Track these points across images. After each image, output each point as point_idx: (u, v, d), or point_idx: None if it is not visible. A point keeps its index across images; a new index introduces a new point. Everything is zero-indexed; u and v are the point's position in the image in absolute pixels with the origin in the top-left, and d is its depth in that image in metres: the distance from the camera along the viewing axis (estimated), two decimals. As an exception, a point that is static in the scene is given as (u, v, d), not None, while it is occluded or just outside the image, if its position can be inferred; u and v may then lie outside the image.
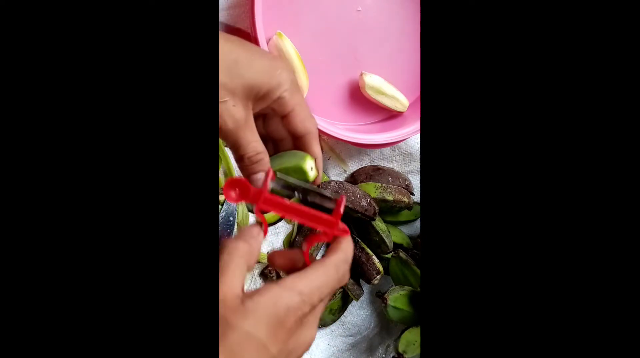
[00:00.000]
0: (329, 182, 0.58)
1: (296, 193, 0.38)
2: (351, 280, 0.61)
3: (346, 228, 0.37)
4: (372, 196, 0.58)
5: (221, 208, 0.59)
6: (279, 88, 0.40)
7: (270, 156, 0.42)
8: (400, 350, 0.57)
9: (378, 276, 0.59)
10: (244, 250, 0.35)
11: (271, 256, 0.39)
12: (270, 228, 0.62)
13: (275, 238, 0.62)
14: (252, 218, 0.61)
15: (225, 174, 0.59)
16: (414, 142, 0.64)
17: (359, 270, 0.60)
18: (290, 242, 0.61)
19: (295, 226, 0.62)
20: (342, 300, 0.62)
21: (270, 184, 0.37)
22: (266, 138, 0.45)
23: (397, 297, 0.58)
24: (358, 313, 0.65)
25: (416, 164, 0.65)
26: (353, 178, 0.63)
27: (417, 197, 0.65)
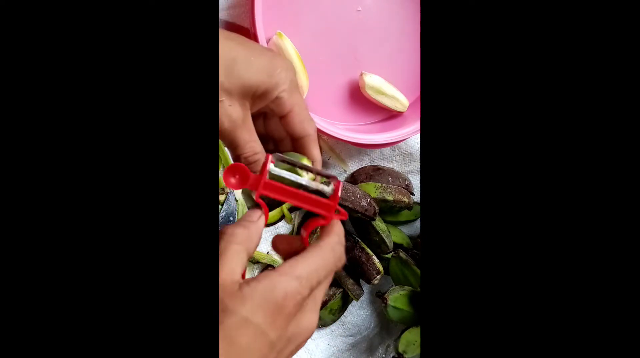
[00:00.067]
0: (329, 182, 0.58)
1: (296, 175, 0.38)
2: (351, 280, 0.61)
3: (343, 211, 0.38)
4: (372, 196, 0.58)
5: (221, 208, 0.59)
6: (277, 88, 0.40)
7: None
8: (400, 350, 0.57)
9: (378, 276, 0.59)
10: (242, 236, 0.34)
11: (274, 240, 0.39)
12: (270, 228, 0.62)
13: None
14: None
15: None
16: (414, 142, 0.64)
17: (359, 270, 0.60)
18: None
19: (296, 226, 0.62)
20: (342, 300, 0.62)
21: (270, 169, 0.36)
22: (267, 138, 0.45)
23: (397, 297, 0.58)
24: (358, 313, 0.65)
25: (416, 164, 0.65)
26: (353, 178, 0.63)
27: (417, 197, 0.65)
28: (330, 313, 0.62)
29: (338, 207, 0.38)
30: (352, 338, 0.65)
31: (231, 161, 0.46)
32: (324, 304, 0.61)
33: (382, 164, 0.64)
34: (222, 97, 0.38)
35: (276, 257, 0.61)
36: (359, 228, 0.61)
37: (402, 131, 0.58)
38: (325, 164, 0.63)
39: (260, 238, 0.36)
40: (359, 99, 0.61)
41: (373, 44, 0.60)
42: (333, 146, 0.63)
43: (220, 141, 0.42)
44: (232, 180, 0.36)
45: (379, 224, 0.60)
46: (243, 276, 0.35)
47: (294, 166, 0.38)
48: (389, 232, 0.61)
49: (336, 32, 0.58)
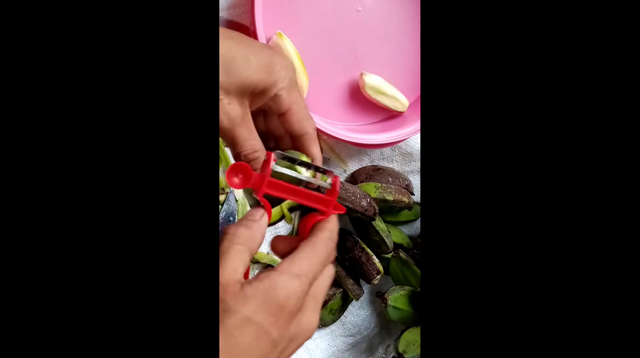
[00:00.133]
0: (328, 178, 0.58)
1: (296, 172, 0.38)
2: (351, 280, 0.61)
3: (341, 206, 0.39)
4: (372, 196, 0.58)
5: (221, 208, 0.59)
6: (276, 86, 0.40)
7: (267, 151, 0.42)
8: (400, 350, 0.57)
9: (378, 276, 0.59)
10: (244, 236, 0.35)
11: (272, 242, 0.39)
12: (270, 228, 0.62)
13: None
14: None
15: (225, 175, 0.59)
16: (414, 142, 0.64)
17: (359, 270, 0.60)
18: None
19: (296, 226, 0.62)
20: (342, 300, 0.62)
21: (272, 167, 0.37)
22: (267, 135, 0.45)
23: (397, 297, 0.58)
24: (358, 313, 0.65)
25: (416, 164, 0.65)
26: (353, 178, 0.63)
27: (417, 197, 0.65)
28: (330, 313, 0.62)
29: (336, 202, 0.39)
30: (352, 338, 0.65)
31: (231, 161, 0.46)
32: (324, 304, 0.61)
33: (382, 164, 0.64)
34: (221, 96, 0.38)
35: (276, 257, 0.61)
36: (359, 228, 0.61)
37: (402, 131, 0.58)
38: (325, 164, 0.63)
39: (263, 237, 0.36)
40: (359, 99, 0.61)
41: (373, 44, 0.60)
42: (333, 146, 0.63)
43: (220, 140, 0.42)
44: (235, 179, 0.36)
45: (379, 224, 0.60)
46: (246, 276, 0.35)
47: (293, 163, 0.38)
48: (389, 232, 0.61)
49: (336, 32, 0.58)
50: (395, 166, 0.65)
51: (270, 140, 0.45)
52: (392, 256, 0.61)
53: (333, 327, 0.65)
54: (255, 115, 0.41)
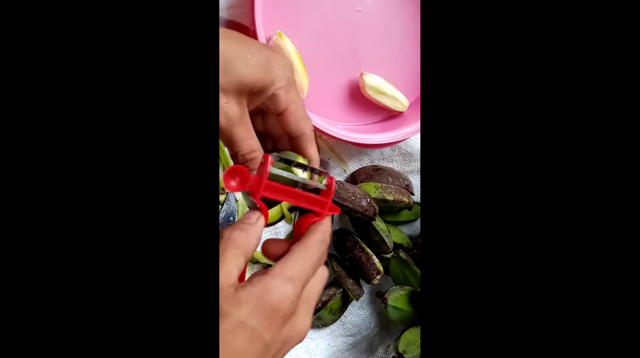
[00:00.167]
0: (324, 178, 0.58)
1: (292, 174, 0.39)
2: (351, 280, 0.61)
3: (335, 206, 0.40)
4: (372, 196, 0.58)
5: (221, 208, 0.59)
6: (274, 85, 0.40)
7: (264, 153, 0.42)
8: (400, 350, 0.57)
9: (378, 276, 0.59)
10: (240, 240, 0.35)
11: (264, 245, 0.39)
12: (270, 228, 0.62)
13: (276, 237, 0.62)
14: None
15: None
16: (414, 142, 0.64)
17: (359, 270, 0.60)
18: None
19: (295, 222, 0.62)
20: (342, 300, 0.62)
21: (269, 170, 0.37)
22: (265, 135, 0.45)
23: (397, 297, 0.58)
24: (358, 313, 0.65)
25: (416, 164, 0.65)
26: (353, 178, 0.63)
27: (417, 197, 0.65)
28: (330, 313, 0.62)
29: (331, 203, 0.39)
30: (352, 338, 0.65)
31: (231, 161, 0.46)
32: (324, 304, 0.61)
33: (382, 164, 0.64)
34: (219, 95, 0.38)
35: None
36: (359, 228, 0.61)
37: (402, 131, 0.58)
38: (325, 164, 0.63)
39: (259, 240, 0.37)
40: (359, 99, 0.61)
41: (373, 44, 0.60)
42: (333, 146, 0.63)
43: (220, 140, 0.42)
44: (232, 183, 0.36)
45: (379, 224, 0.60)
46: (243, 278, 0.36)
47: (289, 165, 0.38)
48: (389, 232, 0.61)
49: (336, 32, 0.58)
50: (395, 166, 0.65)
51: (268, 141, 0.45)
52: (392, 256, 0.61)
53: (333, 327, 0.65)
54: (252, 115, 0.41)
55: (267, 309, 0.33)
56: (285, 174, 0.38)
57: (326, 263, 0.63)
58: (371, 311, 0.66)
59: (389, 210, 0.62)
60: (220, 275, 0.33)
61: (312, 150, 0.43)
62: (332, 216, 0.40)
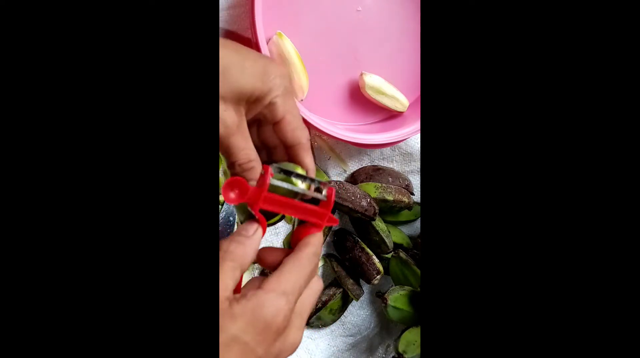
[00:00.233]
0: (329, 182, 0.58)
1: (291, 185, 0.39)
2: (351, 280, 0.61)
3: (334, 218, 0.40)
4: (372, 196, 0.58)
5: (221, 208, 0.59)
6: (271, 93, 0.40)
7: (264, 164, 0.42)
8: (400, 350, 0.57)
9: (378, 276, 0.59)
10: (237, 253, 0.35)
11: (261, 253, 0.40)
12: (270, 228, 0.62)
13: (276, 238, 0.62)
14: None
15: (225, 174, 0.59)
16: (414, 142, 0.64)
17: (359, 270, 0.60)
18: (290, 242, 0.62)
19: (295, 224, 0.62)
20: (342, 300, 0.62)
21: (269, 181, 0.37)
22: (260, 146, 0.45)
23: (397, 297, 0.58)
24: (358, 313, 0.65)
25: (416, 164, 0.65)
26: (353, 178, 0.63)
27: (417, 197, 0.65)
28: (330, 313, 0.62)
29: (330, 214, 0.39)
30: (352, 338, 0.65)
31: None
32: (324, 304, 0.61)
33: (382, 164, 0.64)
34: None
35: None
36: (359, 228, 0.61)
37: (402, 131, 0.58)
38: (325, 164, 0.63)
39: (256, 252, 0.37)
40: (359, 99, 0.61)
41: (373, 44, 0.60)
42: (333, 146, 0.63)
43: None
44: (232, 195, 0.36)
45: (379, 224, 0.60)
46: (239, 287, 0.36)
47: (289, 176, 0.39)
48: (389, 232, 0.61)
49: (336, 32, 0.58)
50: (395, 166, 0.65)
51: (263, 151, 0.45)
52: (392, 256, 0.61)
53: (333, 327, 0.65)
54: (248, 126, 0.41)
55: (261, 323, 0.33)
56: (285, 185, 0.38)
57: (328, 260, 0.63)
58: (371, 311, 0.66)
59: (389, 210, 0.62)
60: None
61: (309, 159, 0.43)
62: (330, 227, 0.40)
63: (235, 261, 0.35)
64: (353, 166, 0.64)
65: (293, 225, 0.62)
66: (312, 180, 0.40)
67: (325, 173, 0.63)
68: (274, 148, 0.44)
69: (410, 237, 0.65)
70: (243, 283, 0.37)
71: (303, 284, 0.37)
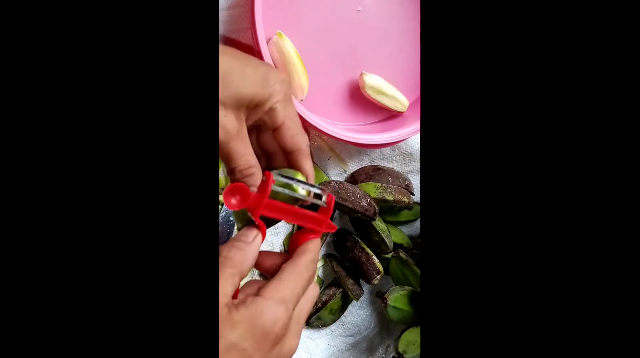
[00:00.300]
0: (329, 182, 0.58)
1: (292, 191, 0.39)
2: (351, 280, 0.61)
3: (333, 225, 0.40)
4: (372, 196, 0.58)
5: (221, 208, 0.59)
6: (271, 99, 0.40)
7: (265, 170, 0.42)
8: (400, 350, 0.57)
9: (378, 276, 0.59)
10: (237, 260, 0.36)
11: (258, 257, 0.39)
12: (270, 228, 0.62)
13: (276, 238, 0.62)
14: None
15: (225, 175, 0.59)
16: (414, 142, 0.64)
17: (359, 270, 0.60)
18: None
19: (295, 227, 0.62)
20: (342, 300, 0.62)
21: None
22: (259, 154, 0.45)
23: (397, 297, 0.58)
24: (358, 313, 0.65)
25: (416, 164, 0.65)
26: (353, 178, 0.63)
27: (417, 197, 0.65)
28: (330, 313, 0.62)
29: (329, 221, 0.40)
30: (352, 338, 0.65)
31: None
32: (324, 304, 0.61)
33: (382, 164, 0.64)
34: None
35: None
36: (359, 228, 0.61)
37: (402, 131, 0.58)
38: (325, 164, 0.63)
39: (255, 258, 0.37)
40: (359, 99, 0.61)
41: (373, 44, 0.60)
42: (333, 146, 0.63)
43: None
44: (233, 201, 0.36)
45: (379, 224, 0.60)
46: (236, 292, 0.36)
47: (289, 182, 0.39)
48: (389, 232, 0.61)
49: (336, 32, 0.58)
50: (395, 166, 0.65)
51: (261, 158, 0.45)
52: (392, 256, 0.61)
53: (333, 327, 0.65)
54: (247, 132, 0.41)
55: (260, 331, 0.34)
56: (286, 191, 0.38)
57: (328, 260, 0.63)
58: (371, 311, 0.66)
59: (389, 210, 0.62)
60: None
61: (308, 165, 0.43)
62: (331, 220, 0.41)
63: (235, 267, 0.35)
64: (353, 166, 0.64)
65: (293, 226, 0.62)
66: (312, 186, 0.40)
67: (325, 173, 0.63)
68: (273, 154, 0.44)
69: (410, 237, 0.65)
70: (240, 285, 0.37)
71: (301, 291, 0.37)
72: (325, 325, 0.64)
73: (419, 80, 0.62)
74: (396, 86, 0.60)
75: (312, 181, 0.43)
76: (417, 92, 0.63)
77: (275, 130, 0.42)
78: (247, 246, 0.37)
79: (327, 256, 0.63)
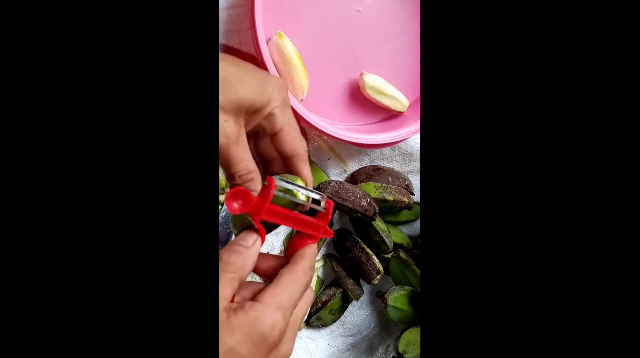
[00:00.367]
0: (329, 182, 0.58)
1: (292, 196, 0.39)
2: (351, 280, 0.61)
3: (330, 230, 0.41)
4: (372, 196, 0.58)
5: (221, 208, 0.59)
6: (270, 104, 0.40)
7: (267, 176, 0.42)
8: (400, 350, 0.57)
9: (378, 276, 0.59)
10: (237, 264, 0.36)
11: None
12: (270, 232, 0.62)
13: (276, 237, 0.62)
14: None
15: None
16: (414, 142, 0.64)
17: (359, 270, 0.60)
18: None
19: (294, 230, 0.62)
20: (342, 300, 0.62)
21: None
22: (257, 160, 0.45)
23: (397, 297, 0.58)
24: (358, 313, 0.65)
25: (416, 164, 0.65)
26: (353, 178, 0.63)
27: (417, 197, 0.65)
28: (330, 313, 0.62)
29: (326, 227, 0.41)
30: (352, 338, 0.65)
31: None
32: (324, 304, 0.61)
33: (382, 164, 0.64)
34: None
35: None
36: (359, 228, 0.61)
37: (402, 131, 0.58)
38: (325, 164, 0.63)
39: (254, 263, 0.38)
40: (359, 99, 0.61)
41: (373, 44, 0.60)
42: (333, 146, 0.63)
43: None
44: (235, 205, 0.36)
45: (379, 224, 0.60)
46: (232, 297, 0.37)
47: (289, 188, 0.39)
48: (389, 232, 0.61)
49: (336, 32, 0.58)
50: (395, 166, 0.65)
51: (259, 165, 0.45)
52: (392, 256, 0.61)
53: (333, 327, 0.65)
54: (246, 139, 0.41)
55: (258, 336, 0.34)
56: (287, 197, 0.38)
57: (328, 260, 0.63)
58: (371, 311, 0.66)
59: (389, 210, 0.62)
60: None
61: (306, 170, 0.43)
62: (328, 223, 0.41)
63: (235, 272, 0.36)
64: (353, 166, 0.64)
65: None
66: (313, 192, 0.40)
67: (325, 173, 0.63)
68: (271, 160, 0.44)
69: (410, 237, 0.65)
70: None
71: (298, 297, 0.37)
72: (325, 325, 0.64)
73: (419, 80, 0.62)
74: (396, 86, 0.60)
75: (310, 186, 0.43)
76: (417, 92, 0.63)
77: (274, 135, 0.42)
78: (246, 250, 0.37)
79: (327, 256, 0.63)
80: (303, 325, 0.63)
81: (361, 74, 0.59)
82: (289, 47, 0.54)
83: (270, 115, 0.41)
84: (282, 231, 0.62)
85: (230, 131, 0.39)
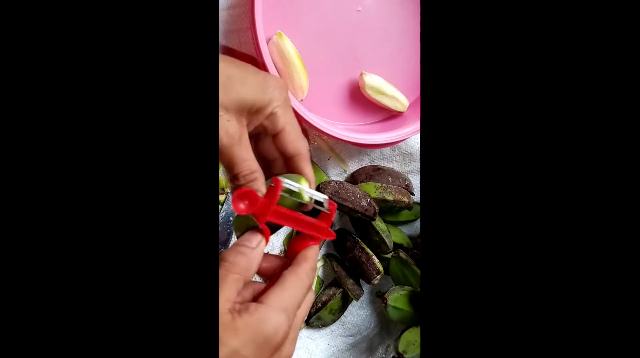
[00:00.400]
0: (329, 182, 0.58)
1: (299, 197, 0.39)
2: (351, 280, 0.61)
3: (332, 232, 0.41)
4: (372, 196, 0.58)
5: (221, 208, 0.59)
6: (271, 104, 0.40)
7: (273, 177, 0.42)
8: (400, 350, 0.57)
9: (378, 276, 0.59)
10: (241, 266, 0.36)
11: None
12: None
13: (276, 237, 0.62)
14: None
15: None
16: (414, 142, 0.64)
17: (359, 270, 0.60)
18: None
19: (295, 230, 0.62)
20: (342, 300, 0.62)
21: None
22: (258, 161, 0.45)
23: (397, 297, 0.58)
24: (358, 313, 0.65)
25: (416, 164, 0.65)
26: (353, 178, 0.63)
27: (417, 197, 0.65)
28: (330, 313, 0.62)
29: (329, 229, 0.41)
30: (352, 338, 0.65)
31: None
32: (324, 304, 0.61)
33: (382, 164, 0.64)
34: (220, 113, 0.39)
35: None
36: (359, 228, 0.61)
37: (402, 131, 0.58)
38: (325, 164, 0.63)
39: (259, 264, 0.38)
40: (359, 99, 0.61)
41: (373, 44, 0.60)
42: (333, 146, 0.63)
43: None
44: (242, 206, 0.36)
45: (379, 224, 0.60)
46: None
47: (294, 188, 0.39)
48: (389, 232, 0.61)
49: (336, 32, 0.58)
50: (395, 166, 0.65)
51: (260, 166, 0.45)
52: (392, 256, 0.61)
53: (333, 327, 0.65)
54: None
55: (262, 339, 0.34)
56: (293, 197, 0.38)
57: (328, 260, 0.63)
58: (371, 311, 0.66)
59: (389, 210, 0.62)
60: (219, 300, 0.34)
61: (308, 170, 0.43)
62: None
63: (240, 273, 0.35)
64: (353, 166, 0.64)
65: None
66: (317, 193, 0.40)
67: (325, 173, 0.63)
68: (272, 161, 0.44)
69: (410, 237, 0.65)
70: None
71: (301, 300, 0.38)
72: (325, 325, 0.64)
73: (419, 80, 0.62)
74: (396, 86, 0.60)
75: (313, 185, 0.44)
76: (417, 92, 0.63)
77: (276, 135, 0.42)
78: (251, 251, 0.37)
79: (327, 256, 0.63)
80: (303, 325, 0.63)
81: (361, 74, 0.59)
82: (289, 47, 0.54)
83: (272, 115, 0.41)
84: (283, 232, 0.62)
85: (233, 131, 0.39)
